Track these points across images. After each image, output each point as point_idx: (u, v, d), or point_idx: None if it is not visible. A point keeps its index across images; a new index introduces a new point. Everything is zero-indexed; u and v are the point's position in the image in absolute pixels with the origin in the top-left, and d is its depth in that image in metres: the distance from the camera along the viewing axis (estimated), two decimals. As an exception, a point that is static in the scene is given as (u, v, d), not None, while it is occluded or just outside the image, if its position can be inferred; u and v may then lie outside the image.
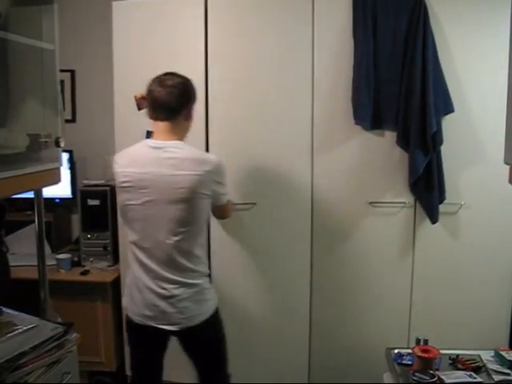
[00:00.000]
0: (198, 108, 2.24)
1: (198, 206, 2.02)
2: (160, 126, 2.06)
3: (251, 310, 2.89)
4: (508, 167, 1.61)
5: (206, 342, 2.19)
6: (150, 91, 2.05)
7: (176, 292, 2.04)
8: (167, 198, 1.98)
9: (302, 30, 2.68)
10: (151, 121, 2.08)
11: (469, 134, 2.83)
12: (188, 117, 2.11)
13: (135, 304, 2.11)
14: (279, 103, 2.73)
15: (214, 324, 2.18)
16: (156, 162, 2.00)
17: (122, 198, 2.08)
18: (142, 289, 2.08)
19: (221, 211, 2.32)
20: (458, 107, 2.73)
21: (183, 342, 2.18)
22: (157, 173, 1.99)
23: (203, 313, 2.11)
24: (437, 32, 2.67)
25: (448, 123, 2.76)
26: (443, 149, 2.76)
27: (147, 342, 2.20)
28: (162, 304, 2.04)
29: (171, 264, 2.04)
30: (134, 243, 2.08)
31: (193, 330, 2.09)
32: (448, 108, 2.72)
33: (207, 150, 2.71)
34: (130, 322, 2.16)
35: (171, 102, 2.02)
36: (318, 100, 2.71)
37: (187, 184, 1.97)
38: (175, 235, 2.01)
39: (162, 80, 2.04)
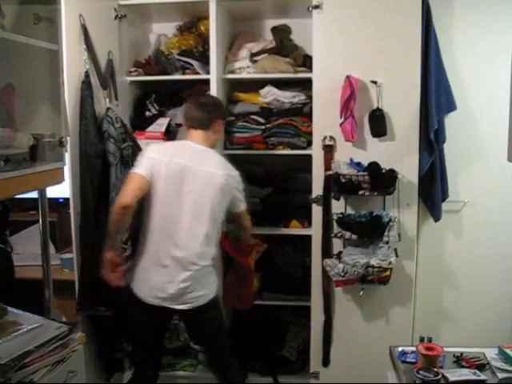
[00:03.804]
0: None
1: None
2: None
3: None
4: (511, 164, 1.61)
5: None
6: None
7: None
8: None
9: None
10: None
11: (472, 132, 2.83)
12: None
13: None
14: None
15: None
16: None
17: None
18: None
19: None
20: (461, 105, 2.73)
21: None
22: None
23: None
24: (439, 31, 2.67)
25: (451, 121, 2.76)
26: (446, 147, 2.76)
27: None
28: None
29: None
30: None
31: None
32: (451, 106, 2.72)
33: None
34: None
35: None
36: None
37: None
38: None
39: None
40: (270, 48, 2.95)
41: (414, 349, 1.92)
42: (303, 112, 2.92)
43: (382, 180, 2.57)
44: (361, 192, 2.59)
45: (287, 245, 3.10)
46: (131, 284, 2.36)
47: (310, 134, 2.80)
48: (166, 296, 2.29)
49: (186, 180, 2.29)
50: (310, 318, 2.90)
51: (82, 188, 2.45)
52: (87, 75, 2.46)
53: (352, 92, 2.56)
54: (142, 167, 2.29)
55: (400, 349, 1.98)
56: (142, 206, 2.33)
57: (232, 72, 2.98)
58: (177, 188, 2.30)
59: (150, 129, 3.01)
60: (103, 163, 2.50)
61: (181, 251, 2.29)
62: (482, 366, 1.85)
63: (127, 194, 2.24)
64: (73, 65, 2.35)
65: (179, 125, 3.02)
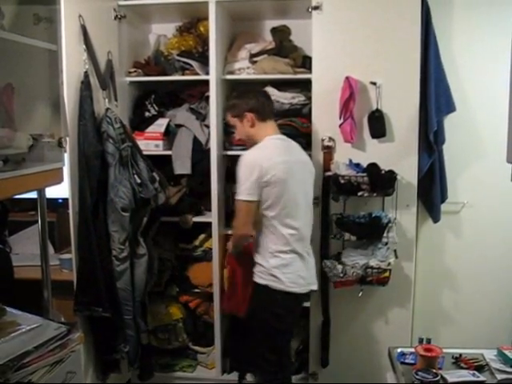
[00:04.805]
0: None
1: None
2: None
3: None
4: (510, 166, 1.61)
5: None
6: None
7: None
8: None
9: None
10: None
11: (471, 133, 2.83)
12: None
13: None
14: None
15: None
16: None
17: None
18: None
19: None
20: (460, 106, 2.73)
21: None
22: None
23: None
24: (439, 32, 2.68)
25: (450, 122, 2.76)
26: (445, 148, 2.77)
27: None
28: None
29: None
30: None
31: None
32: (450, 107, 2.73)
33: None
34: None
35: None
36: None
37: None
38: None
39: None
40: (270, 49, 2.95)
41: (412, 350, 1.92)
42: (302, 113, 2.92)
43: (381, 181, 2.58)
44: (360, 193, 2.60)
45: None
46: (270, 285, 2.34)
47: (310, 134, 2.80)
48: (311, 281, 2.44)
49: (292, 172, 2.34)
50: (308, 318, 2.90)
51: (80, 188, 2.44)
52: (86, 75, 2.46)
53: (351, 93, 2.56)
54: (245, 192, 2.29)
55: (399, 350, 1.98)
56: (262, 210, 2.35)
57: (231, 73, 2.98)
58: (289, 182, 2.32)
59: (149, 129, 3.01)
60: (102, 163, 2.49)
61: (306, 234, 2.45)
62: (480, 368, 1.85)
63: (244, 225, 2.34)
64: (72, 65, 2.35)
65: (178, 125, 3.01)
